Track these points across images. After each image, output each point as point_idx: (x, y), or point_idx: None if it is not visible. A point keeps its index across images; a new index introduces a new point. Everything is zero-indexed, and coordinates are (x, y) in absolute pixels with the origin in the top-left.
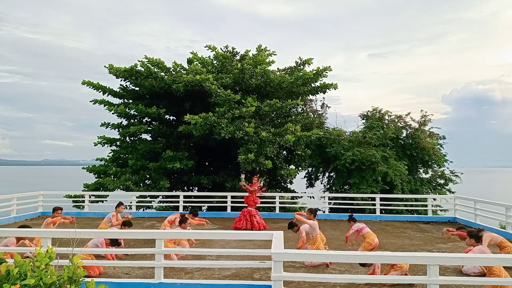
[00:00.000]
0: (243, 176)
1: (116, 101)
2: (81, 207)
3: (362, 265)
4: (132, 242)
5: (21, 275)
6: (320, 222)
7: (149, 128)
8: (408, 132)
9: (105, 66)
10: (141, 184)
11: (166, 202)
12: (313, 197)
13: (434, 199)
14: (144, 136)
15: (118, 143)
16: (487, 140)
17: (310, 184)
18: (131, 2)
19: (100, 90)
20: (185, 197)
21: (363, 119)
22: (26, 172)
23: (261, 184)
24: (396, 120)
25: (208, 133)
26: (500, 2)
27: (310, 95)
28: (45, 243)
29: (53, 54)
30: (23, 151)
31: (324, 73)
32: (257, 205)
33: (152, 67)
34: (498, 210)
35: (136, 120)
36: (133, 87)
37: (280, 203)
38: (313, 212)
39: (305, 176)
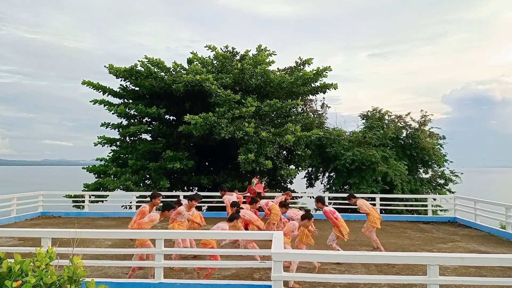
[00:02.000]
0: (254, 180)
1: (116, 101)
2: (81, 207)
3: None
4: (132, 242)
5: (22, 272)
6: (320, 222)
7: (149, 128)
8: (408, 132)
9: (105, 66)
10: (141, 184)
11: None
12: (313, 197)
13: (434, 199)
14: (144, 136)
15: (118, 143)
16: (487, 140)
17: (310, 184)
18: (131, 2)
19: (100, 90)
20: (185, 197)
21: (363, 119)
22: (26, 172)
23: (263, 185)
24: (396, 120)
25: (208, 133)
26: (500, 2)
27: (310, 95)
28: (45, 243)
29: (53, 54)
30: (23, 151)
31: (324, 73)
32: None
33: (152, 67)
34: (498, 210)
35: (136, 120)
36: (133, 87)
37: None
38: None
39: (305, 176)
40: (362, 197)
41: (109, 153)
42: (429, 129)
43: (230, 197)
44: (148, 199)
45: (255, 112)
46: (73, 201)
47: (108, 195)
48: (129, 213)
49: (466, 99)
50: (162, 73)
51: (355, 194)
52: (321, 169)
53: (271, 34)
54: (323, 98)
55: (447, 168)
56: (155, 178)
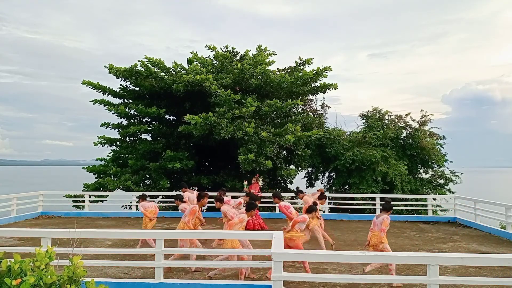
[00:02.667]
0: (245, 183)
1: (116, 101)
2: (81, 207)
3: None
4: (132, 242)
5: (22, 271)
6: None
7: (149, 128)
8: (408, 132)
9: (105, 66)
10: (141, 184)
11: (166, 202)
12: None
13: (434, 199)
14: (144, 136)
15: (118, 143)
16: (487, 140)
17: (310, 184)
18: (131, 2)
19: (100, 90)
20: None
21: (363, 119)
22: (26, 172)
23: (261, 185)
24: (396, 120)
25: (208, 133)
26: (500, 2)
27: (310, 95)
28: (45, 243)
29: (53, 54)
30: (23, 151)
31: (324, 73)
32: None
33: (152, 67)
34: (498, 210)
35: (136, 120)
36: (133, 87)
37: None
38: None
39: (305, 176)
40: (363, 197)
41: (109, 153)
42: (429, 129)
43: (190, 195)
44: (149, 199)
45: (255, 112)
46: (73, 201)
47: (108, 195)
48: (129, 213)
49: (466, 99)
50: (162, 73)
51: (302, 190)
52: (321, 169)
53: (271, 34)
54: (323, 98)
55: (447, 168)
56: (155, 178)
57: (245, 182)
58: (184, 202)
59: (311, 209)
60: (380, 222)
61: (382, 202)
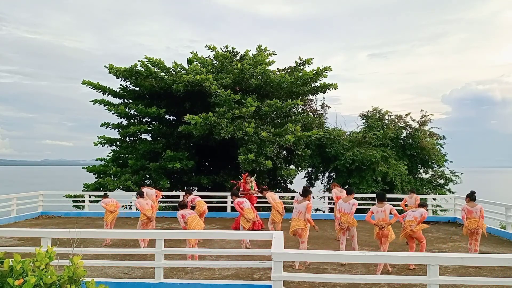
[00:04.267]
0: (253, 182)
1: (116, 101)
2: (81, 207)
3: None
4: (132, 242)
5: (24, 271)
6: (320, 222)
7: (149, 128)
8: (408, 132)
9: (105, 66)
10: (141, 184)
11: (166, 202)
12: (313, 197)
13: (434, 199)
14: (144, 136)
15: (118, 143)
16: (487, 140)
17: (310, 184)
18: (131, 2)
19: (100, 90)
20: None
21: (363, 119)
22: (26, 172)
23: (252, 183)
24: (396, 120)
25: (208, 133)
26: (500, 2)
27: (310, 95)
28: (45, 243)
29: (53, 54)
30: (23, 151)
31: (324, 73)
32: (254, 205)
33: (152, 67)
34: (498, 210)
35: (136, 120)
36: (133, 87)
37: None
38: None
39: (305, 176)
40: (363, 197)
41: (109, 153)
42: (429, 129)
43: (149, 191)
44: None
45: (255, 112)
46: (73, 201)
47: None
48: (129, 213)
49: (466, 99)
50: (162, 73)
51: (267, 188)
52: (321, 169)
53: (271, 34)
54: (323, 98)
55: (447, 168)
56: (155, 178)
57: (252, 182)
58: (143, 197)
59: (423, 204)
60: (479, 210)
61: (468, 193)
